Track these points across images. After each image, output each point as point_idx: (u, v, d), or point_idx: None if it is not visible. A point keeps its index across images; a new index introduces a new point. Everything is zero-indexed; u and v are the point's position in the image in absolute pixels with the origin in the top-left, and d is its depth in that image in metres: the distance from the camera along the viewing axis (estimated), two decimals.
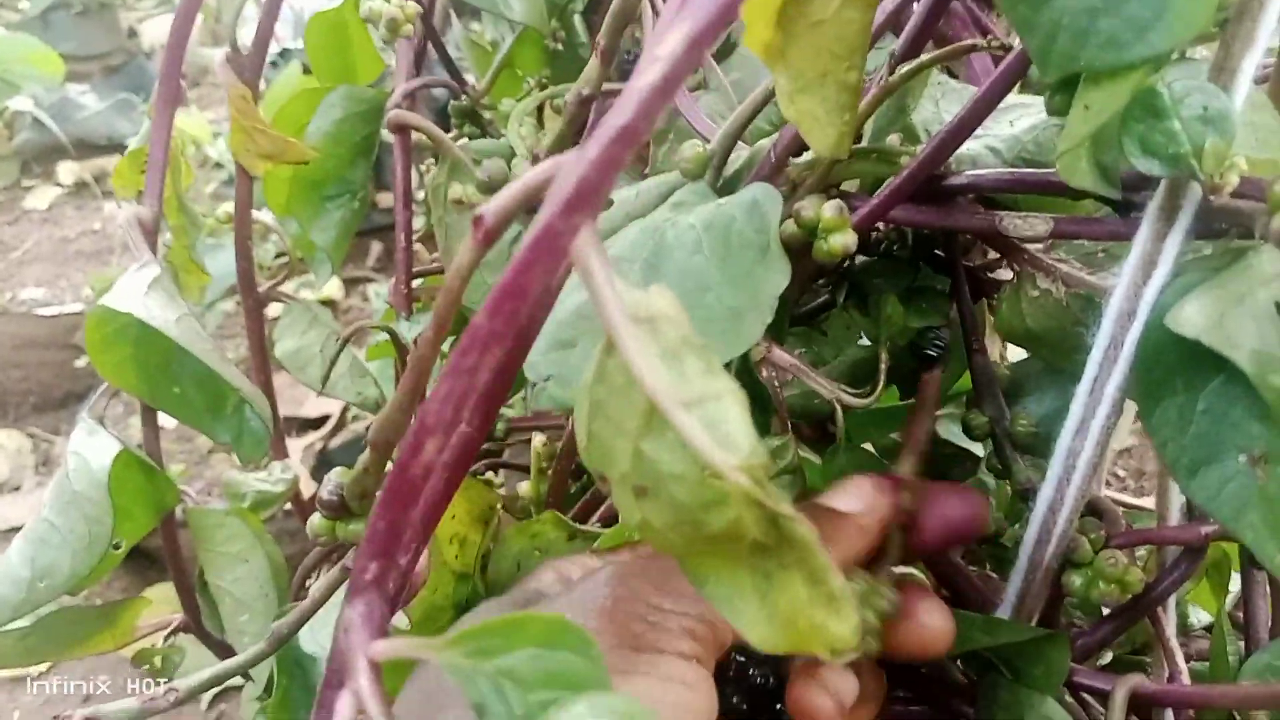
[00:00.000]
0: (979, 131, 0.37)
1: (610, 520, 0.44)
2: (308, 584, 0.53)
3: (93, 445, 0.47)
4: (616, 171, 0.19)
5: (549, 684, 0.19)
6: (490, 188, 0.41)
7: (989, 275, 0.44)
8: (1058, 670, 0.36)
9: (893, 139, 0.36)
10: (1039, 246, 0.38)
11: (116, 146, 2.72)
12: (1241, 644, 0.42)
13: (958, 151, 0.36)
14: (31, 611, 0.49)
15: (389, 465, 0.27)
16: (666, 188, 0.37)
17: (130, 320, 0.45)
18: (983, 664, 0.39)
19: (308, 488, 1.03)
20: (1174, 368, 0.30)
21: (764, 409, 0.39)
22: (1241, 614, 0.44)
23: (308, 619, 0.38)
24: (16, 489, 2.02)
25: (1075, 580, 0.37)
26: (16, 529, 1.93)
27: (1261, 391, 0.27)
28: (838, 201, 0.33)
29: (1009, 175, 0.37)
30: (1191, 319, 0.28)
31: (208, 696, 1.60)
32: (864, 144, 0.37)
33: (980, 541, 0.49)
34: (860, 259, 0.43)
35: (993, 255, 0.44)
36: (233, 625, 0.50)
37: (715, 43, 0.22)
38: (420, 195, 0.65)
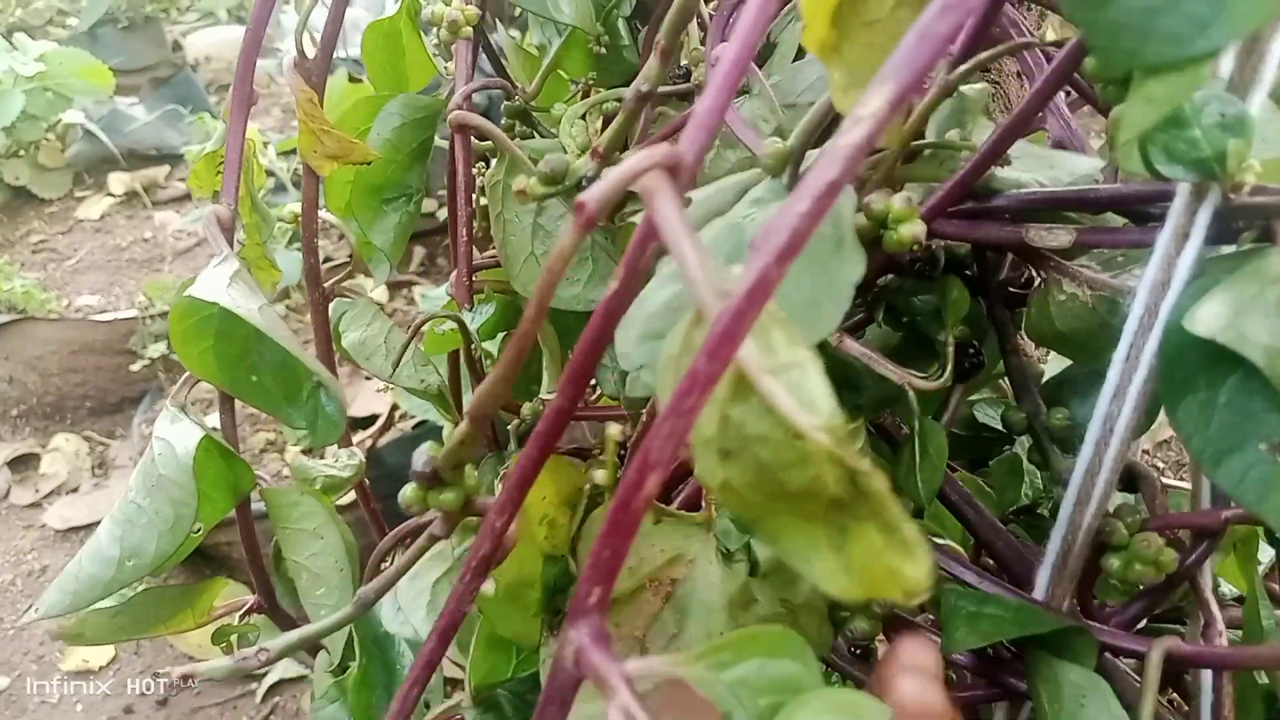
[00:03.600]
0: (1026, 170, 0.39)
1: (692, 505, 0.46)
2: (383, 566, 0.56)
3: (177, 431, 0.50)
4: (820, 221, 0.22)
5: (774, 690, 0.22)
6: (552, 180, 0.43)
7: (1015, 290, 0.46)
8: (1087, 654, 0.38)
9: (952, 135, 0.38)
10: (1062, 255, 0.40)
11: (165, 157, 2.79)
12: (1278, 611, 0.44)
13: (1005, 176, 0.38)
14: (120, 590, 0.52)
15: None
16: (743, 185, 0.39)
17: (213, 312, 0.48)
18: (1024, 640, 0.41)
19: None
20: (1195, 366, 0.32)
21: (854, 389, 0.41)
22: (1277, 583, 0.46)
23: (393, 584, 0.40)
24: (74, 490, 2.07)
25: (1114, 562, 0.39)
26: (76, 529, 1.98)
27: (1275, 384, 0.29)
28: (906, 193, 0.35)
29: (1038, 194, 0.39)
30: (1207, 320, 0.31)
31: (262, 689, 1.65)
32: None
33: (1019, 512, 0.51)
34: (893, 279, 0.45)
35: (1017, 272, 0.46)
36: (310, 599, 0.53)
37: (906, 102, 0.24)
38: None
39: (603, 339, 0.28)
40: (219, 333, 0.50)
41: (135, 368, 2.12)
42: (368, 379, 1.56)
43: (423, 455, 0.36)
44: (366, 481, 0.72)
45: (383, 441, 1.54)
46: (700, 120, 0.23)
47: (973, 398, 0.65)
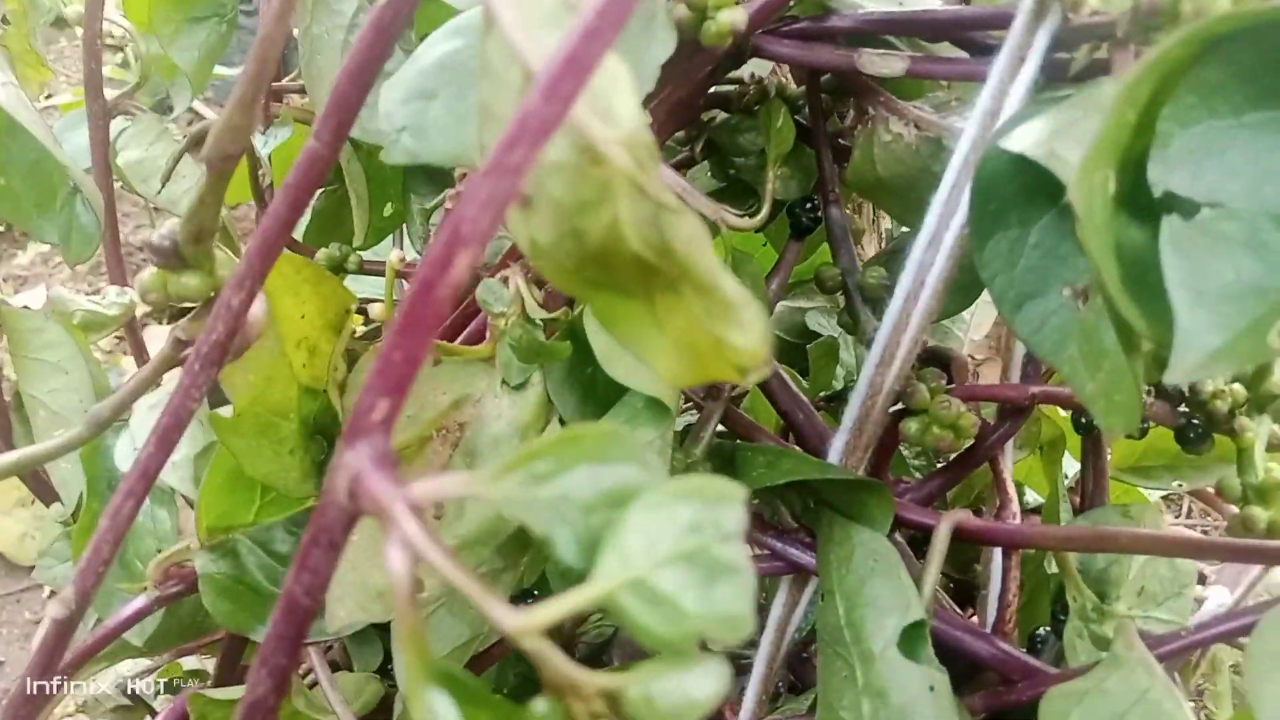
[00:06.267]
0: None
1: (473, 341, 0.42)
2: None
3: None
4: None
5: (608, 503, 0.17)
6: None
7: (844, 142, 0.44)
8: (881, 512, 0.36)
9: None
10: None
11: None
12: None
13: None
14: None
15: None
16: None
17: None
18: (817, 506, 0.38)
19: None
20: (1009, 200, 0.30)
21: None
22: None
23: (132, 401, 0.36)
24: None
25: (912, 426, 0.37)
26: None
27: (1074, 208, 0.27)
28: None
29: (875, 15, 0.36)
30: (1022, 137, 0.29)
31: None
32: None
33: (829, 399, 0.49)
34: (720, 116, 0.42)
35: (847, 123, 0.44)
36: (46, 440, 0.47)
37: None
38: None
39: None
40: None
41: None
42: None
43: (164, 228, 0.31)
44: None
45: None
46: None
47: (804, 305, 0.63)
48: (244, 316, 0.28)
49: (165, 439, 0.29)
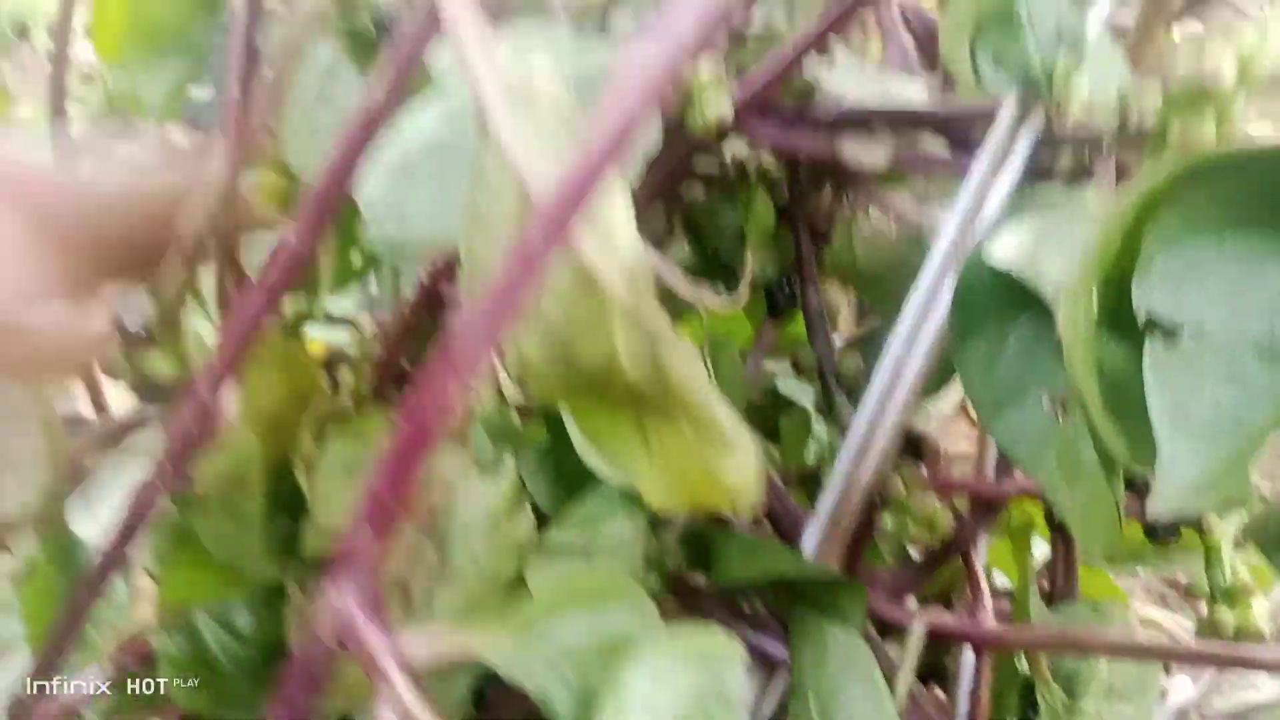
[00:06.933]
0: (854, 85, 0.36)
1: None
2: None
3: None
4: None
5: (607, 659, 0.17)
6: None
7: (826, 229, 0.44)
8: (856, 610, 0.36)
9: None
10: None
11: None
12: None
13: (830, 88, 0.36)
14: None
15: None
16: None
17: None
18: (790, 596, 0.38)
19: None
20: (988, 304, 0.30)
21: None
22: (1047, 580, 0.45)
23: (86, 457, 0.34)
24: None
25: (889, 521, 0.37)
26: None
27: (1058, 325, 0.27)
28: (715, 62, 0.31)
29: (866, 108, 0.36)
30: (1005, 248, 0.29)
31: None
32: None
33: (802, 479, 0.49)
34: (699, 193, 0.42)
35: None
36: None
37: None
38: None
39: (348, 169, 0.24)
40: None
41: None
42: None
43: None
44: None
45: None
46: None
47: (774, 369, 0.63)
48: (214, 412, 0.27)
49: (129, 533, 0.29)
